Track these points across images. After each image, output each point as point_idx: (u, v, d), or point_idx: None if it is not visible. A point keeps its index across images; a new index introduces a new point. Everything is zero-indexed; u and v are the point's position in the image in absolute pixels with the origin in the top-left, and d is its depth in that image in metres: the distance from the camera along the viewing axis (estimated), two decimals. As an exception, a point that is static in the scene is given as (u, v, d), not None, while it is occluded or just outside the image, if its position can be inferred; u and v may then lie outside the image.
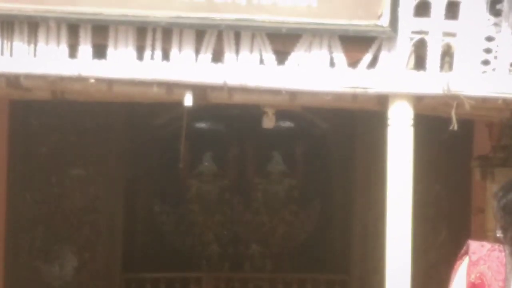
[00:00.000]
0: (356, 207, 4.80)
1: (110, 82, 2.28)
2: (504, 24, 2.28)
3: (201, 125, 5.41)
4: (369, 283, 3.81)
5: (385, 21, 2.24)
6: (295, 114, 4.25)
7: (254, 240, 5.71)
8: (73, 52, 2.27)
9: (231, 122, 5.30)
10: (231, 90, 2.31)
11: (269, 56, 2.29)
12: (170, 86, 2.30)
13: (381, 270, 2.38)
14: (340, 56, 2.27)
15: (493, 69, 2.30)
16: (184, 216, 5.79)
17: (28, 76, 2.25)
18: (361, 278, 4.47)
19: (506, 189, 1.83)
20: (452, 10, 2.31)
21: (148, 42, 2.29)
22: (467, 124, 3.17)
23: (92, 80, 2.25)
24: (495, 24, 2.30)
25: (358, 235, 4.72)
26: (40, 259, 4.92)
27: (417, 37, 2.29)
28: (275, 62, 2.29)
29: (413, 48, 2.30)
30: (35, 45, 2.26)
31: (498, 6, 2.27)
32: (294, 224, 5.69)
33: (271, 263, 5.66)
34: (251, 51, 2.30)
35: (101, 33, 2.27)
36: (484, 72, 2.30)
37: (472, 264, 1.85)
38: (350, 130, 4.48)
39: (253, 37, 2.29)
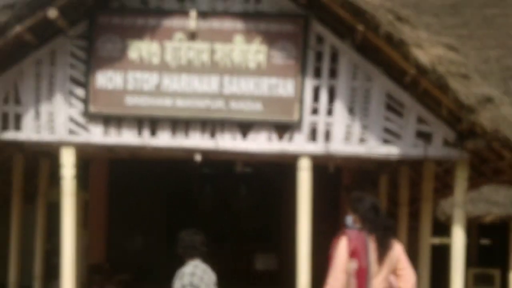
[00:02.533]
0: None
1: (159, 149, 4.41)
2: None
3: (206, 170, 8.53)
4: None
5: (296, 117, 4.35)
6: (252, 164, 6.95)
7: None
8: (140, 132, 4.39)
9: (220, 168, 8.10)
10: (220, 152, 4.44)
11: (238, 136, 4.41)
12: (189, 151, 4.41)
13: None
14: (274, 135, 4.38)
15: (362, 140, 4.38)
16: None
17: (117, 146, 4.38)
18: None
19: (360, 200, 3.38)
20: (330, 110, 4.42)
21: (179, 128, 4.42)
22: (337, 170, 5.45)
23: (150, 148, 4.38)
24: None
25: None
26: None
27: (312, 125, 4.41)
28: (242, 138, 4.42)
29: (310, 131, 4.40)
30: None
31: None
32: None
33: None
34: (231, 133, 4.42)
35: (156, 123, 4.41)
36: (347, 138, 4.40)
37: (349, 240, 3.33)
38: (282, 172, 6.88)
39: (231, 126, 4.42)
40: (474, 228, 8.83)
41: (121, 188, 7.94)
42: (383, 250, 3.52)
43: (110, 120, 4.49)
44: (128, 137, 4.49)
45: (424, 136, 4.61)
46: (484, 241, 9.94)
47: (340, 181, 6.96)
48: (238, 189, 8.91)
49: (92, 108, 4.42)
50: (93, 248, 7.42)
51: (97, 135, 4.52)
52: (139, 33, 4.51)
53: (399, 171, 6.01)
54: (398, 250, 3.59)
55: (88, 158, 6.18)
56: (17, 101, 4.58)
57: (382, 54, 4.50)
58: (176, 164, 5.64)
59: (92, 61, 4.50)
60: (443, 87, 4.32)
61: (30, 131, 4.54)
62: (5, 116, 4.56)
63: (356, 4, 4.26)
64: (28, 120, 4.51)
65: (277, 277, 8.19)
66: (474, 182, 5.17)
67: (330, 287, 3.44)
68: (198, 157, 4.52)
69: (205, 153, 4.56)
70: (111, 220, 7.89)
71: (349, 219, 3.79)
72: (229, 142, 4.52)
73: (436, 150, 4.57)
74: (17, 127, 4.57)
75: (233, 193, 8.99)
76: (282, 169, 6.10)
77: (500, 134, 4.30)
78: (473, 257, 9.10)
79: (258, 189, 8.66)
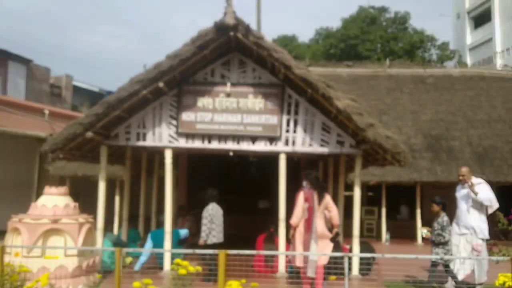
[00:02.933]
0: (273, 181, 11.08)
1: (212, 149, 8.53)
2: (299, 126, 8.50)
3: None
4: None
5: (278, 134, 8.33)
6: (257, 156, 10.07)
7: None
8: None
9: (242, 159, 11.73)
10: (241, 151, 8.47)
11: (250, 143, 8.39)
12: (227, 150, 8.48)
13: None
14: (268, 143, 8.34)
15: (310, 144, 8.40)
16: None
17: (192, 148, 8.56)
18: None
19: (309, 174, 7.23)
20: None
21: (222, 139, 8.48)
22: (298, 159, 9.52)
23: (208, 149, 8.53)
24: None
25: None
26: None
27: (286, 138, 8.41)
28: (252, 144, 8.39)
29: (285, 140, 8.43)
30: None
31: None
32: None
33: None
34: (246, 142, 8.40)
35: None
36: (303, 143, 8.44)
37: (304, 193, 6.98)
38: (272, 160, 10.51)
39: (247, 138, 8.42)
40: (365, 187, 13.89)
41: (194, 169, 12.95)
42: (320, 198, 7.02)
43: (189, 136, 8.34)
44: (197, 144, 8.33)
45: (341, 143, 8.23)
46: (370, 193, 15.31)
47: (300, 165, 10.56)
48: (250, 169, 13.28)
49: (180, 130, 8.32)
50: (180, 197, 11.84)
51: (182, 143, 8.41)
52: (203, 94, 8.23)
53: (329, 159, 10.00)
54: (328, 198, 7.07)
55: (178, 154, 10.02)
56: (144, 126, 8.41)
57: (320, 103, 7.95)
58: (221, 156, 9.32)
59: (180, 107, 8.23)
60: (349, 118, 7.63)
61: (150, 141, 8.39)
62: (138, 134, 8.44)
63: (307, 79, 7.77)
64: (149, 135, 8.37)
65: (268, 211, 11.62)
66: (364, 165, 9.11)
67: (294, 216, 7.05)
68: (231, 153, 8.59)
69: (234, 151, 8.44)
70: (188, 184, 12.44)
71: (305, 183, 7.41)
72: (245, 146, 8.28)
73: (346, 149, 8.28)
74: (144, 139, 8.41)
75: (248, 171, 13.33)
76: (272, 159, 8.88)
77: (377, 142, 7.72)
78: (364, 201, 13.79)
79: (260, 169, 12.75)
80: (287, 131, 8.36)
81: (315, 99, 8.07)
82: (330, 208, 6.99)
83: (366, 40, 31.69)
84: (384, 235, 13.99)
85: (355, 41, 31.77)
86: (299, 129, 8.37)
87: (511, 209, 6.43)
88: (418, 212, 13.85)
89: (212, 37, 7.78)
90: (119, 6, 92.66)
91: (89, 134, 7.86)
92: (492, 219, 6.76)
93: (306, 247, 6.71)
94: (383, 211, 13.95)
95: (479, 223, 7.15)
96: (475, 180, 7.37)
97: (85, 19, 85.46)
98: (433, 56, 33.35)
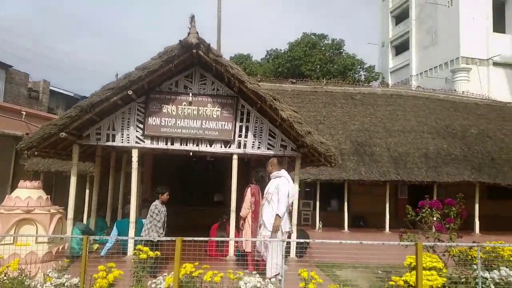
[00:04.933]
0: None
1: (175, 150, 8.38)
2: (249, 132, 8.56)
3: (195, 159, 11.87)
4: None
5: (232, 138, 8.35)
6: (214, 157, 10.08)
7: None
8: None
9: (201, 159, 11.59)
10: (200, 152, 8.40)
11: (208, 145, 8.40)
12: (187, 151, 8.39)
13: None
14: (223, 145, 8.39)
15: (259, 147, 8.50)
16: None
17: (157, 149, 8.36)
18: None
19: (257, 172, 7.43)
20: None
21: (183, 141, 8.40)
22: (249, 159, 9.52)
23: (171, 150, 8.36)
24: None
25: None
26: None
27: (238, 141, 8.47)
28: (209, 146, 8.39)
29: (238, 144, 8.46)
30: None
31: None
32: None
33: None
34: (205, 144, 8.39)
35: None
36: (253, 146, 8.51)
37: (251, 189, 7.19)
38: (227, 160, 10.54)
39: (205, 141, 8.41)
40: (303, 184, 14.13)
41: (159, 167, 12.04)
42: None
43: (154, 138, 8.17)
44: (161, 145, 8.18)
45: (284, 146, 8.43)
46: (307, 189, 15.43)
47: (250, 164, 10.44)
48: (208, 167, 12.87)
49: (146, 132, 8.13)
50: (145, 191, 11.28)
51: (147, 144, 8.21)
52: (167, 102, 8.07)
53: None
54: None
55: (144, 153, 9.81)
56: (113, 129, 8.16)
57: (267, 113, 8.02)
58: (182, 156, 9.18)
59: (146, 113, 8.03)
60: (291, 126, 7.80)
61: (119, 141, 8.14)
62: (108, 135, 8.17)
63: (258, 92, 8.05)
64: (118, 137, 8.11)
65: (223, 204, 11.73)
66: (303, 165, 9.34)
67: (243, 209, 7.17)
68: (191, 154, 8.55)
69: (194, 152, 8.36)
70: (153, 180, 11.70)
71: (253, 180, 7.57)
72: (204, 148, 8.21)
73: (288, 152, 8.43)
74: (113, 139, 8.14)
75: (206, 169, 12.95)
76: (227, 159, 8.89)
77: (313, 146, 8.18)
78: (302, 195, 14.06)
79: (216, 167, 12.49)
80: (240, 136, 8.38)
81: (264, 109, 8.16)
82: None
83: (308, 61, 32.40)
84: (318, 224, 14.34)
85: (299, 61, 32.42)
86: (250, 134, 8.43)
87: (419, 203, 6.83)
88: (345, 205, 14.34)
89: (177, 53, 7.70)
90: (94, 20, 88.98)
91: (63, 134, 7.53)
92: (402, 211, 7.05)
93: (254, 234, 6.78)
94: (317, 204, 14.30)
95: (268, 217, 6.32)
96: (276, 173, 6.55)
97: (64, 30, 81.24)
98: (361, 77, 34.65)
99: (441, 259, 5.80)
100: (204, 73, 8.41)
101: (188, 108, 8.23)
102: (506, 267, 4.98)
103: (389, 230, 14.01)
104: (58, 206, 6.75)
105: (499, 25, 28.85)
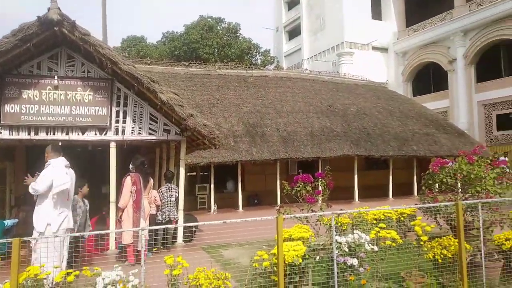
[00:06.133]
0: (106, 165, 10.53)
1: (41, 140, 7.49)
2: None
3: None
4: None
5: (108, 124, 7.84)
6: (92, 145, 9.54)
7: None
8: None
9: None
10: (71, 141, 7.66)
11: (80, 133, 7.75)
12: (56, 140, 7.61)
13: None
14: (98, 132, 7.80)
15: (139, 133, 8.04)
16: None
17: (17, 140, 7.39)
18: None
19: (136, 159, 7.07)
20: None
21: (50, 130, 7.57)
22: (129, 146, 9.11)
23: (35, 140, 7.46)
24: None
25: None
26: None
27: (116, 128, 7.97)
28: (82, 135, 7.73)
29: (115, 130, 7.91)
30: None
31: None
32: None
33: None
34: (77, 132, 7.68)
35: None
36: (132, 132, 8.06)
37: (131, 177, 6.71)
38: (104, 148, 9.98)
39: (76, 129, 7.70)
40: (198, 168, 14.75)
41: (34, 160, 10.08)
42: (145, 182, 6.96)
43: (13, 127, 7.20)
44: (23, 135, 7.29)
45: (167, 131, 8.16)
46: (203, 173, 15.86)
47: (139, 152, 9.43)
48: (91, 155, 11.24)
49: (2, 122, 7.11)
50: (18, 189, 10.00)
51: (6, 135, 7.20)
52: (28, 86, 7.18)
53: (163, 146, 9.74)
54: (151, 182, 7.02)
55: (13, 146, 8.71)
56: None
57: (147, 95, 7.68)
58: (64, 146, 8.48)
59: (2, 99, 7.07)
60: (172, 109, 7.61)
61: None
62: None
63: (133, 74, 7.57)
64: None
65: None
66: (190, 149, 9.30)
67: (122, 199, 6.75)
68: (60, 143, 7.73)
69: (64, 141, 7.60)
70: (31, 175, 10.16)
71: (131, 167, 7.16)
72: (75, 136, 7.52)
73: (172, 136, 8.22)
74: None
75: (94, 159, 11.28)
76: (104, 147, 8.33)
77: (196, 129, 8.15)
78: (198, 180, 14.62)
79: (94, 156, 10.80)
80: (117, 121, 7.89)
81: (143, 92, 7.81)
82: (151, 192, 7.18)
83: (205, 45, 32.00)
84: (213, 206, 14.45)
85: (196, 45, 31.83)
86: (128, 119, 7.99)
87: (295, 178, 7.19)
88: (239, 185, 14.68)
89: (35, 31, 6.90)
90: None
91: None
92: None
93: (136, 224, 6.52)
94: (212, 187, 14.37)
95: (36, 215, 5.10)
96: (49, 161, 5.55)
97: None
98: (258, 60, 35.48)
99: (313, 228, 6.25)
100: (72, 54, 7.68)
101: (54, 93, 7.44)
102: (370, 229, 5.57)
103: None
104: None
105: (376, 13, 31.91)
